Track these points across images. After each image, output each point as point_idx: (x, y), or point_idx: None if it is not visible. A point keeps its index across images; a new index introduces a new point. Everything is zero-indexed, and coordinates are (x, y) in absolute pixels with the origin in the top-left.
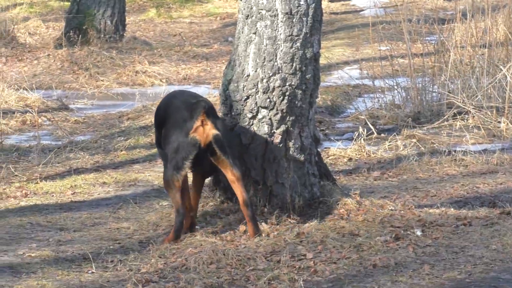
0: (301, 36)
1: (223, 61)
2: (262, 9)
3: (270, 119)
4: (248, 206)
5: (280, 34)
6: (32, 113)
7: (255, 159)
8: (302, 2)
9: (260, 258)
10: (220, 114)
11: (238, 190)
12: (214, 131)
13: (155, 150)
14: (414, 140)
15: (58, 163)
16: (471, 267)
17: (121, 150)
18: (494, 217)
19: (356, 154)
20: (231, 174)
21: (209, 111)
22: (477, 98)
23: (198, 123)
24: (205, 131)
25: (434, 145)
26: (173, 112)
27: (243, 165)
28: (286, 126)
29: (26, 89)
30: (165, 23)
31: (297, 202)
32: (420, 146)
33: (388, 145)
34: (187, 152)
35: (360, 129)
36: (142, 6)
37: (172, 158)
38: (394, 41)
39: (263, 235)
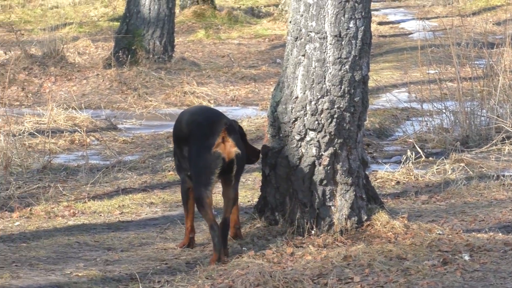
0: (350, 59)
1: (271, 82)
2: (311, 31)
3: (318, 141)
4: (226, 227)
5: (329, 56)
6: (80, 133)
7: (302, 181)
8: (351, 25)
9: (307, 280)
10: (268, 136)
11: (227, 208)
12: (236, 149)
13: None
14: (462, 164)
15: (106, 182)
16: None
17: (169, 171)
18: None
19: (404, 178)
20: (229, 193)
21: (230, 129)
22: None
23: (219, 139)
24: (226, 147)
25: (483, 169)
26: (195, 129)
27: (291, 187)
28: (334, 148)
29: (75, 109)
30: (214, 44)
31: (344, 225)
32: (469, 170)
33: (436, 169)
34: (213, 167)
35: (408, 153)
36: (191, 27)
37: (198, 175)
38: (443, 65)
39: (310, 257)
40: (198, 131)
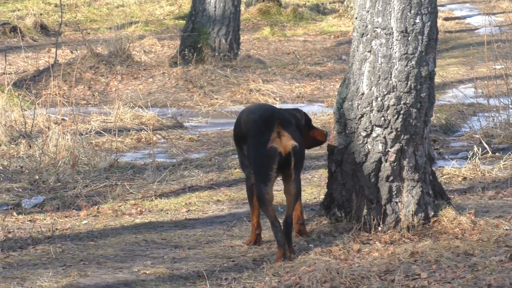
0: (416, 55)
1: (337, 79)
2: (377, 28)
3: (384, 137)
4: (288, 224)
5: (395, 52)
6: (147, 131)
7: (368, 178)
8: (417, 21)
9: (374, 277)
10: (334, 132)
11: (289, 205)
12: (293, 142)
13: None
14: None
15: (173, 180)
16: None
17: (235, 168)
18: None
19: (470, 173)
20: (290, 189)
21: (284, 123)
22: None
23: (274, 134)
24: (282, 141)
25: None
26: (251, 127)
27: (357, 184)
28: (401, 144)
29: (141, 107)
30: (279, 41)
31: (411, 221)
32: None
33: (503, 164)
34: (270, 162)
35: (475, 148)
36: (257, 24)
37: (257, 172)
38: (509, 60)
39: (377, 254)
40: (253, 128)
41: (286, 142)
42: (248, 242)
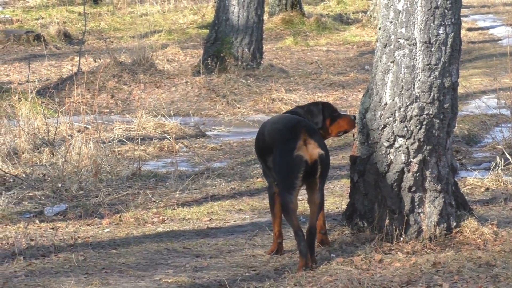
0: (439, 65)
1: (360, 89)
2: (400, 38)
3: (407, 148)
4: (312, 234)
5: (419, 63)
6: (169, 140)
7: (391, 188)
8: (441, 31)
9: (395, 287)
10: (356, 143)
11: (314, 215)
12: (320, 150)
13: None
14: None
15: (195, 189)
16: None
17: (257, 177)
18: None
19: (493, 184)
20: (315, 198)
21: (311, 131)
22: None
23: (301, 142)
24: (308, 149)
25: None
26: (276, 136)
27: (379, 194)
28: (423, 155)
29: (164, 116)
30: (302, 51)
31: (433, 232)
32: None
33: None
34: (295, 171)
35: (498, 159)
36: (279, 34)
37: (282, 180)
38: None
39: (399, 264)
40: (279, 137)
41: (313, 150)
42: (270, 252)
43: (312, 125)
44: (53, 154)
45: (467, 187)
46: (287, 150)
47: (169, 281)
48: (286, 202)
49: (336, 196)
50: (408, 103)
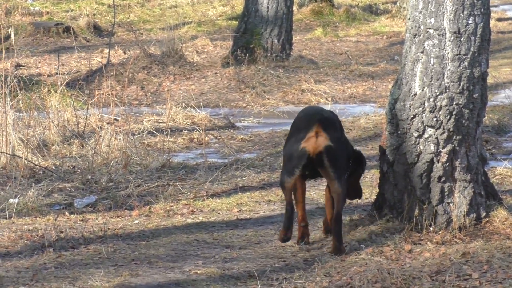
0: (469, 55)
1: (389, 79)
2: (430, 28)
3: (436, 138)
4: (337, 222)
5: (448, 53)
6: (199, 131)
7: (420, 178)
8: (470, 21)
9: (425, 277)
10: (386, 133)
11: (336, 204)
12: (327, 142)
13: None
14: None
15: (224, 180)
16: None
17: None
18: None
19: None
20: (333, 188)
21: (326, 124)
22: None
23: (312, 133)
24: (317, 141)
25: None
26: (296, 123)
27: (409, 184)
28: (453, 145)
29: (194, 107)
30: (332, 41)
31: (463, 222)
32: None
33: None
34: (297, 161)
35: None
36: (309, 25)
37: (285, 164)
38: None
39: (428, 254)
40: (295, 124)
41: (320, 143)
42: (298, 239)
43: (330, 118)
44: (82, 146)
45: (496, 177)
46: (298, 139)
47: (198, 272)
48: (283, 180)
49: (366, 186)
50: (437, 93)
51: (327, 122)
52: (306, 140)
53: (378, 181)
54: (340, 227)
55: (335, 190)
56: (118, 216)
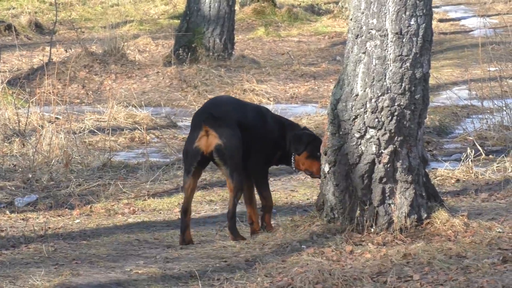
0: (410, 56)
1: (331, 80)
2: (372, 29)
3: (378, 139)
4: (229, 218)
5: (390, 54)
6: (140, 130)
7: (362, 179)
8: (412, 22)
9: (366, 278)
10: (328, 133)
11: (229, 200)
12: (217, 141)
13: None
14: None
15: (166, 180)
16: None
17: None
18: None
19: (463, 175)
20: (227, 184)
21: (214, 122)
22: None
23: (202, 132)
24: (208, 140)
25: None
26: (192, 120)
27: (350, 185)
28: (394, 146)
29: (135, 106)
30: (274, 41)
31: (404, 223)
32: None
33: (496, 167)
34: (191, 159)
35: (468, 150)
36: (251, 24)
37: (183, 162)
38: (504, 62)
39: (369, 255)
40: (192, 122)
41: (211, 142)
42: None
43: (218, 115)
44: (23, 145)
45: (438, 178)
46: (191, 139)
47: (139, 272)
48: (184, 181)
49: (307, 187)
50: (379, 94)
51: (216, 119)
52: (198, 139)
53: (320, 181)
54: (234, 224)
55: (228, 186)
56: (59, 215)
